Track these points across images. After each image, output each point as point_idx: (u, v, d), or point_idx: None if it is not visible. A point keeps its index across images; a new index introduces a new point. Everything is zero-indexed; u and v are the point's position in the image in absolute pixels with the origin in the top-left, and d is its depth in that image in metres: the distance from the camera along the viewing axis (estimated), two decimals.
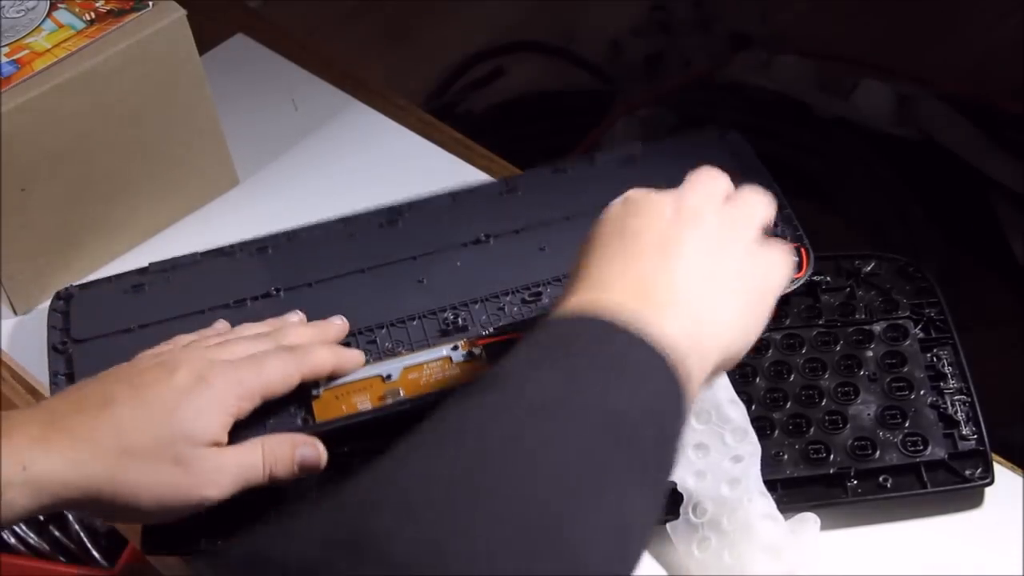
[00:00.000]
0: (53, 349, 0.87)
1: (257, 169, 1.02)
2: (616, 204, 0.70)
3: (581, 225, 0.85)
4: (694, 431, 0.75)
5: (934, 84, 1.54)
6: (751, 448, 0.74)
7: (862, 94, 1.54)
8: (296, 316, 0.83)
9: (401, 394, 0.78)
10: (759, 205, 0.71)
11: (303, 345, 0.78)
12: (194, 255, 0.91)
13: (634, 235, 0.67)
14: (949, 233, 1.47)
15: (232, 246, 0.91)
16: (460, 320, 0.82)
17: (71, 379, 0.85)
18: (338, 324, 0.82)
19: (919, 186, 1.50)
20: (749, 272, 0.68)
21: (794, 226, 0.85)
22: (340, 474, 0.76)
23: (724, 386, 0.76)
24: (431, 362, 0.80)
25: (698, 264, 0.66)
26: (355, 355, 0.80)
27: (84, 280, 0.93)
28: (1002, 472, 0.77)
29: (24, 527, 1.13)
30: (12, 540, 1.12)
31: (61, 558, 1.11)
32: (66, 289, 0.91)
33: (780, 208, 0.85)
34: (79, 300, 0.90)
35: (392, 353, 0.81)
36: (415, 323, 0.82)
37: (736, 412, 0.75)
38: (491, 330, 0.81)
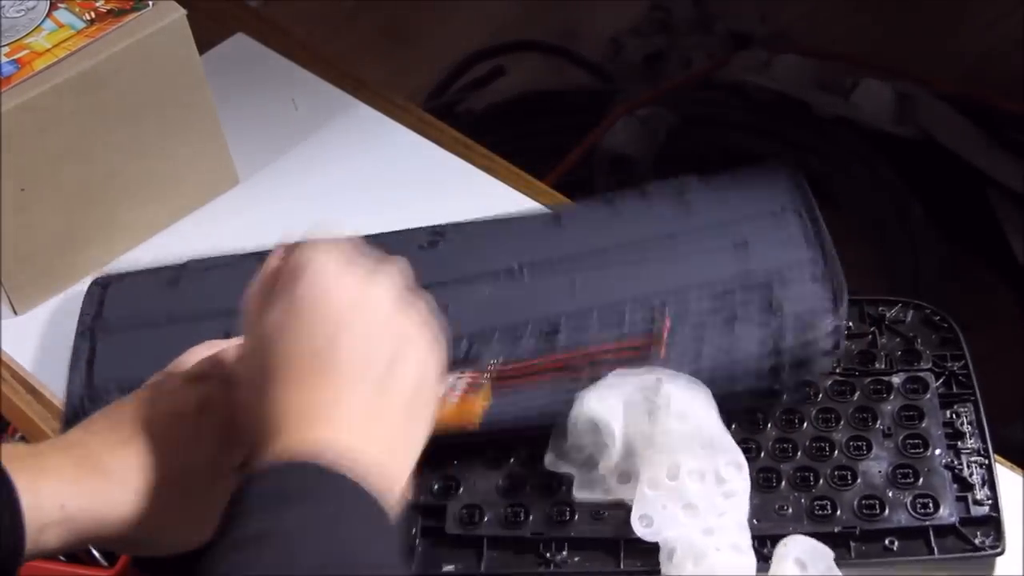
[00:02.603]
0: (80, 334, 0.87)
1: (257, 168, 1.02)
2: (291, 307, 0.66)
3: (615, 261, 0.84)
4: (687, 491, 0.72)
5: (934, 84, 1.54)
6: (737, 501, 0.72)
7: (862, 94, 1.54)
8: None
9: None
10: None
11: None
12: (232, 256, 0.91)
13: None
14: (949, 233, 1.47)
15: (271, 251, 0.91)
16: (473, 350, 0.80)
17: (90, 366, 0.85)
18: None
19: (919, 186, 1.50)
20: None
21: (831, 264, 0.81)
22: None
23: (726, 447, 0.73)
24: None
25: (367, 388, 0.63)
26: None
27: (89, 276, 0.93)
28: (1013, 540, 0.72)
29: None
30: None
31: (61, 558, 1.11)
32: (103, 277, 0.92)
33: (829, 263, 0.81)
34: (116, 288, 0.91)
35: None
36: None
37: (733, 473, 0.72)
38: (499, 360, 0.79)
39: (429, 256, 0.89)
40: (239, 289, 0.89)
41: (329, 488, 0.58)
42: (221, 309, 0.86)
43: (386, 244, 0.89)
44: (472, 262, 0.87)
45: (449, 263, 0.87)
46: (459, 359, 0.80)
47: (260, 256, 0.90)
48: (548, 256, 0.86)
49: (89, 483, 0.66)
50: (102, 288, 0.90)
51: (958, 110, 1.50)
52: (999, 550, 0.71)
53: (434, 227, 0.90)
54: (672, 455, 0.72)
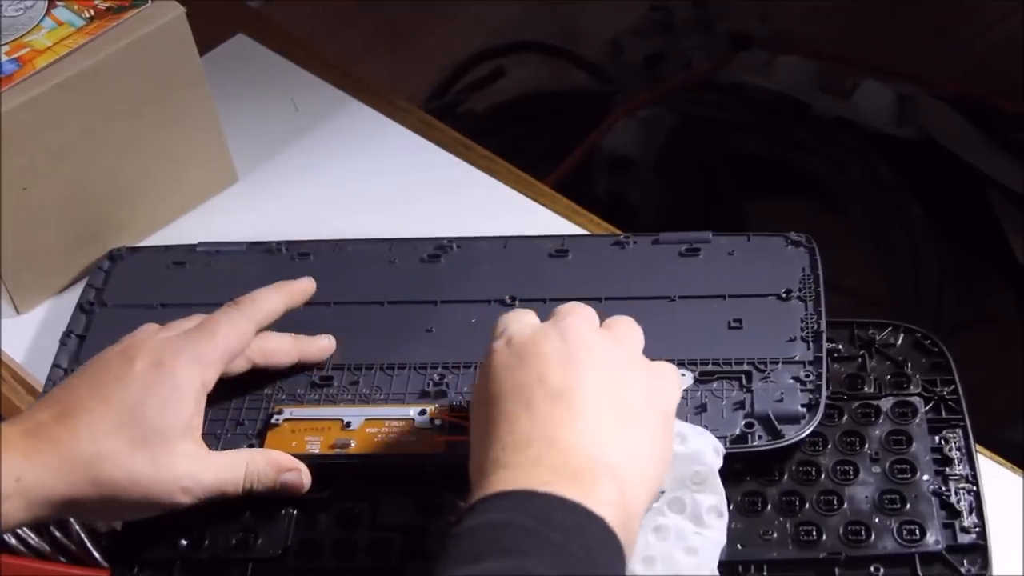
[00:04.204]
0: (80, 308, 0.88)
1: (257, 168, 1.02)
2: (500, 350, 0.68)
3: (612, 310, 0.79)
4: (662, 513, 0.70)
5: (934, 84, 1.54)
6: (709, 542, 0.70)
7: (862, 94, 1.54)
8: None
9: (352, 446, 0.76)
10: (633, 329, 0.71)
11: (251, 295, 0.79)
12: (240, 244, 0.91)
13: (530, 388, 0.65)
14: (949, 233, 1.47)
15: (279, 243, 0.91)
16: (445, 384, 0.80)
17: (82, 340, 0.86)
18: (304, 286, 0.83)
19: (919, 186, 1.50)
20: (651, 394, 0.67)
21: (818, 368, 0.78)
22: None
23: (716, 491, 0.71)
24: (393, 420, 0.77)
25: (604, 406, 0.64)
26: (304, 285, 0.82)
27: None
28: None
29: (24, 527, 1.13)
30: (12, 540, 1.12)
31: (61, 558, 1.11)
32: (118, 249, 0.93)
33: (816, 366, 0.79)
34: (126, 264, 0.92)
35: (365, 400, 0.79)
36: (403, 373, 0.81)
37: (714, 519, 0.70)
38: (464, 403, 0.78)
39: (428, 270, 0.88)
40: (235, 281, 0.89)
41: (548, 515, 0.59)
42: (210, 300, 0.87)
43: (389, 250, 0.90)
44: (467, 285, 0.86)
45: (445, 282, 0.87)
46: (429, 391, 0.80)
47: (267, 247, 0.91)
48: (542, 293, 0.85)
49: (41, 456, 0.68)
50: (112, 261, 0.92)
51: (958, 111, 1.50)
52: None
53: (440, 240, 0.89)
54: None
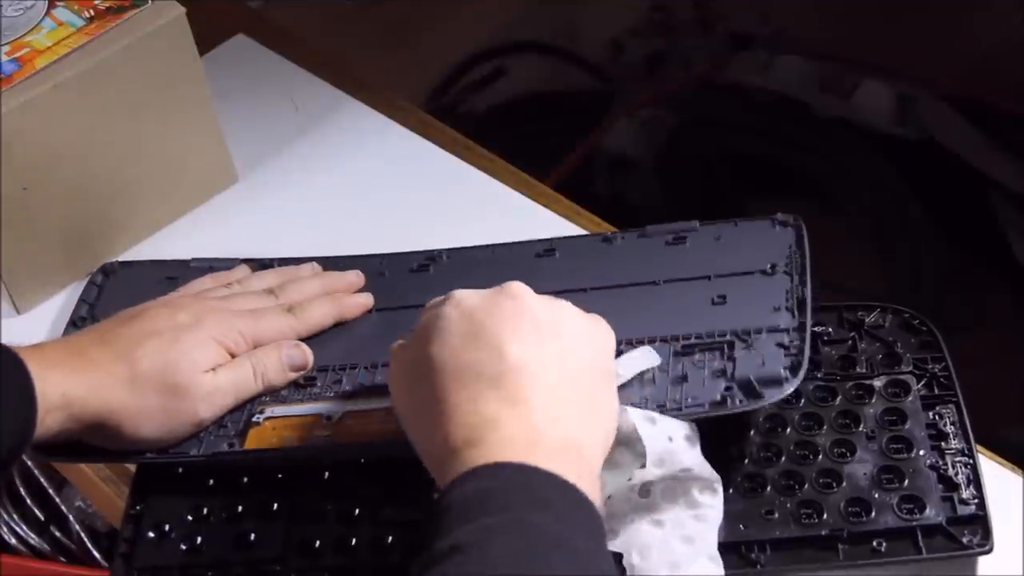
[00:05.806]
0: (72, 323, 0.88)
1: (257, 168, 1.02)
2: (450, 314, 0.70)
3: (596, 299, 0.81)
4: (658, 508, 0.70)
5: (934, 84, 1.54)
6: (706, 524, 0.70)
7: (863, 95, 1.54)
8: (309, 269, 0.88)
9: (330, 434, 0.77)
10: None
11: (303, 303, 0.83)
12: (233, 260, 0.91)
13: (490, 363, 0.66)
14: (949, 233, 1.47)
15: (271, 259, 0.91)
16: None
17: None
18: (351, 279, 0.86)
19: (920, 187, 1.50)
20: (594, 357, 0.70)
21: (801, 333, 0.78)
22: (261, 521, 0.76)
23: (700, 471, 0.71)
24: (372, 412, 0.78)
25: (560, 380, 0.66)
26: (358, 303, 0.85)
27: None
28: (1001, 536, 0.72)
29: (24, 527, 1.13)
30: (12, 540, 1.12)
31: (61, 558, 1.12)
32: (111, 264, 0.93)
33: (801, 332, 0.78)
34: (118, 278, 0.92)
35: (347, 396, 0.80)
36: (386, 369, 0.80)
37: (708, 498, 0.71)
38: None
39: (417, 279, 0.88)
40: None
41: (536, 484, 0.61)
42: None
43: (380, 263, 0.90)
44: (455, 286, 0.86)
45: (434, 288, 0.87)
46: None
47: (260, 262, 0.91)
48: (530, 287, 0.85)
49: (84, 373, 0.74)
50: (104, 276, 0.92)
51: (958, 110, 1.50)
52: (987, 548, 0.71)
53: (429, 252, 0.90)
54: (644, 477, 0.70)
